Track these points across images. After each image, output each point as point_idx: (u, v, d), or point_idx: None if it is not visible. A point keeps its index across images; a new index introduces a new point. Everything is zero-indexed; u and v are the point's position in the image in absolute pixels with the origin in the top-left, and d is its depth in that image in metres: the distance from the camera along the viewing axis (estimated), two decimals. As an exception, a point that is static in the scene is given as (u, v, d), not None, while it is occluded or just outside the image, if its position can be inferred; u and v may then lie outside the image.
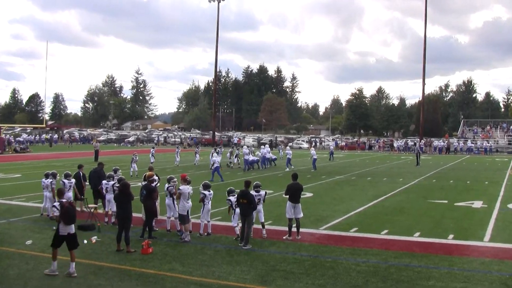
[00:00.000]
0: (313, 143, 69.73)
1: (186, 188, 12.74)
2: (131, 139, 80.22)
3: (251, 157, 33.15)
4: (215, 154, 28.55)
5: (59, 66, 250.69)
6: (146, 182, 13.27)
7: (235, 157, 33.77)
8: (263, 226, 13.14)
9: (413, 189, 23.86)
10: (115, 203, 12.49)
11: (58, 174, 16.12)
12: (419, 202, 19.42)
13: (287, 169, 32.62)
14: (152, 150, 36.72)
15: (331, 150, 46.49)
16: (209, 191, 13.19)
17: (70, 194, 15.44)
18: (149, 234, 12.74)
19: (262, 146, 36.00)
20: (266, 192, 13.36)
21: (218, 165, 26.56)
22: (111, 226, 14.36)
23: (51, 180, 15.43)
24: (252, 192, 12.68)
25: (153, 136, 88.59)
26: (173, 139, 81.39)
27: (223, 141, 73.71)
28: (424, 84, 69.52)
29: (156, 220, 13.85)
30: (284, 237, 13.04)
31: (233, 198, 12.82)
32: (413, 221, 15.38)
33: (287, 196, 13.14)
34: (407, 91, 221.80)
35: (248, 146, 37.48)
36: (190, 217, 12.74)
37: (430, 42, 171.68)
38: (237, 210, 12.71)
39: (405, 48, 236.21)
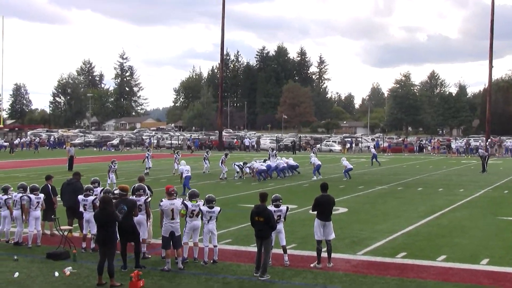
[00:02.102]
0: (347, 145, 68.96)
1: (168, 204, 12.92)
2: (115, 141, 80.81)
3: (264, 164, 32.90)
4: (183, 162, 29.46)
5: (20, 49, 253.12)
6: (119, 196, 13.54)
7: (243, 164, 33.58)
8: (285, 251, 13.29)
9: (478, 202, 23.95)
10: (95, 223, 12.59)
11: (28, 187, 16.20)
12: (486, 220, 19.44)
13: (315, 178, 32.61)
14: (147, 153, 39.18)
15: (374, 153, 45.45)
16: (211, 208, 13.39)
17: (38, 213, 15.67)
18: (136, 263, 12.97)
19: (279, 157, 35.58)
20: (288, 208, 13.53)
21: (189, 174, 27.54)
22: (90, 254, 14.51)
23: (21, 194, 15.69)
24: (271, 208, 12.84)
25: (144, 137, 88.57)
26: (169, 141, 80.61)
27: (217, 142, 73.35)
28: (491, 66, 69.06)
29: (148, 245, 14.21)
30: (312, 265, 13.18)
31: (191, 205, 13.29)
32: (479, 245, 15.41)
33: (315, 212, 13.34)
34: (468, 77, 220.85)
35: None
36: (181, 241, 13.15)
37: (500, 11, 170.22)
38: (192, 223, 13.28)
39: (466, 20, 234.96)
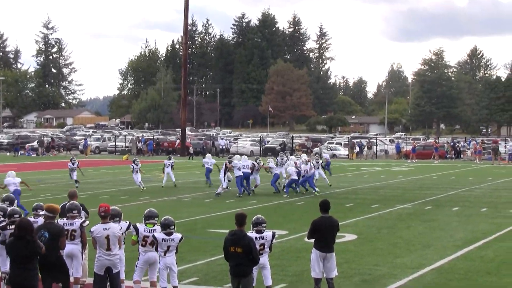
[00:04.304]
0: (356, 148, 64.33)
1: (102, 229, 11.63)
2: (36, 144, 71.57)
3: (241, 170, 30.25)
4: (11, 172, 25.09)
5: None
6: (45, 218, 12.00)
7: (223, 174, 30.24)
8: (271, 294, 13.01)
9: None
10: (7, 258, 11.71)
11: None
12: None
13: (285, 195, 29.54)
14: (136, 166, 32.18)
15: (327, 160, 38.59)
16: (169, 235, 11.97)
17: None
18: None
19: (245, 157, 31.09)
20: (274, 234, 12.34)
21: (18, 188, 23.43)
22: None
23: None
24: (251, 234, 11.69)
25: (76, 137, 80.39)
26: (112, 143, 71.90)
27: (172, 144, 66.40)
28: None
29: (82, 286, 12.80)
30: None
31: (144, 229, 11.92)
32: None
33: (313, 241, 12.44)
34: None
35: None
36: (119, 281, 11.80)
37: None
38: (146, 255, 12.02)
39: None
